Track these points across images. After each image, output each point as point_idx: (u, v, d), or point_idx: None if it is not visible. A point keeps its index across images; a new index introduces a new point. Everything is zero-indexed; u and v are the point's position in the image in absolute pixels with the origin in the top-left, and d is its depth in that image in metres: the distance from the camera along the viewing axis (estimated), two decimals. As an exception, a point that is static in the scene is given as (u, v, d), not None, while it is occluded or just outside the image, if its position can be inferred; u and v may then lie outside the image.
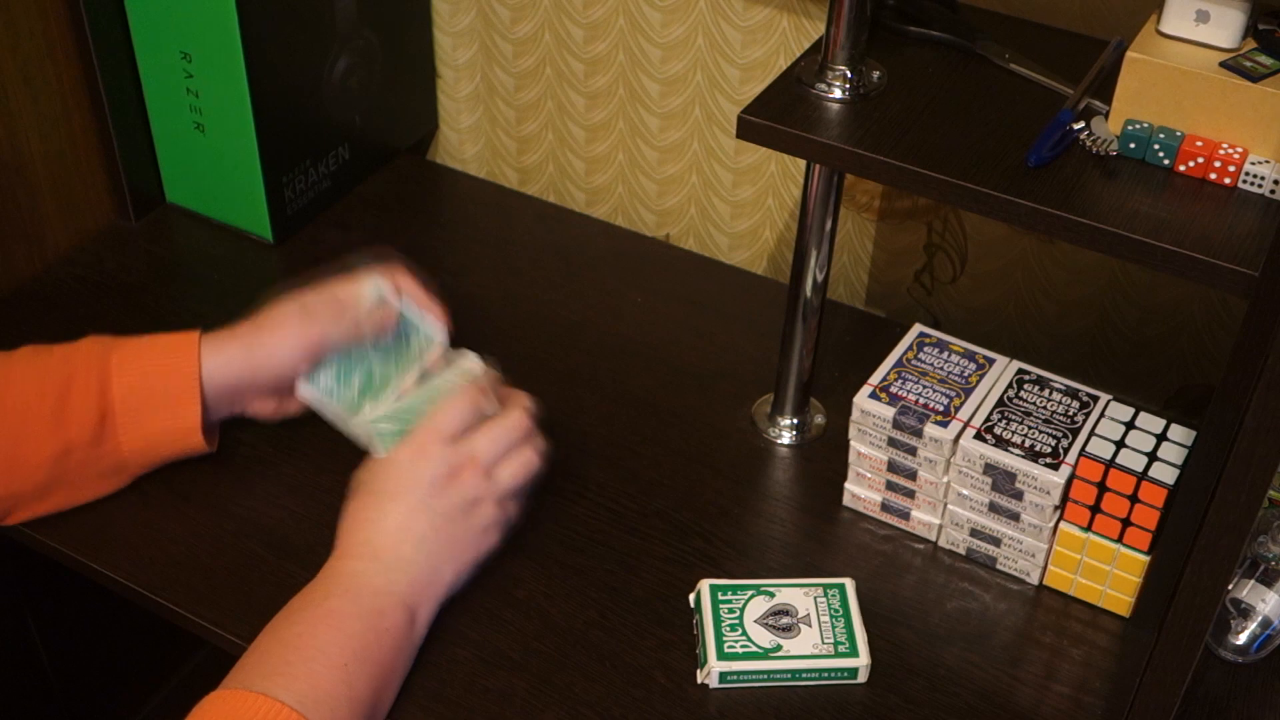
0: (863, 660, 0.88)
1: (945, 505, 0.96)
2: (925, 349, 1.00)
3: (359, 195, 1.31)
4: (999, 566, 0.96)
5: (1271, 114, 0.78)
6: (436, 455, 0.89)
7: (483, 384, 0.94)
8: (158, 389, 0.93)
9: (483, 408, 0.92)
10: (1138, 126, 0.81)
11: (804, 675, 0.88)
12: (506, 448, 0.92)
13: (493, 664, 0.89)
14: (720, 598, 0.91)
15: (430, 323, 1.00)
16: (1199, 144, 0.80)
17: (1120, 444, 0.90)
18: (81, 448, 0.92)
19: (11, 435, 0.91)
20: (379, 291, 0.99)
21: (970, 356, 0.99)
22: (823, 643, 0.88)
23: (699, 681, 0.88)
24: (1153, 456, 0.89)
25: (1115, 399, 0.95)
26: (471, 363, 0.97)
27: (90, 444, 0.92)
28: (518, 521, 0.94)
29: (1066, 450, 0.92)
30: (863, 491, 1.00)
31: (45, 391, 0.92)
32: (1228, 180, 0.80)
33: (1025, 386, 0.97)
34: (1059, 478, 0.90)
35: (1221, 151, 0.80)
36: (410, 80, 1.34)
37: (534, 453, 0.93)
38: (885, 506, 0.99)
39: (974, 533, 0.96)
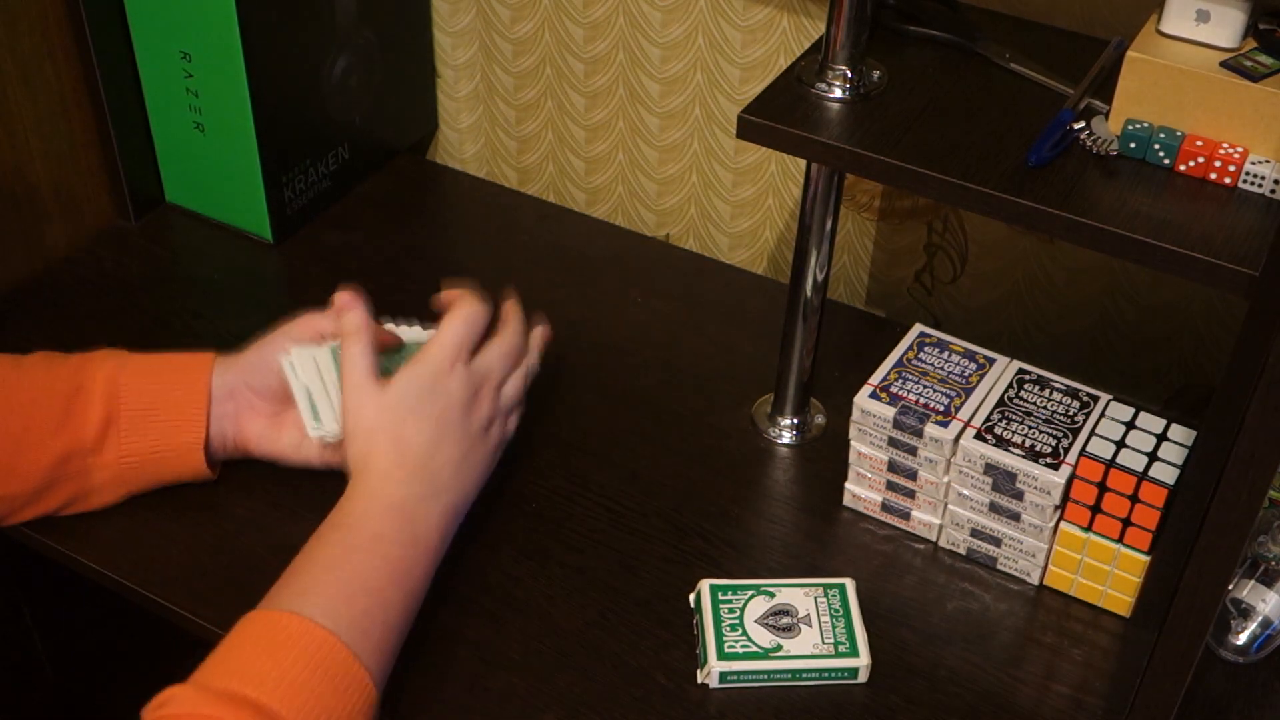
0: (863, 660, 0.88)
1: (945, 505, 0.96)
2: (925, 349, 1.00)
3: (359, 195, 1.31)
4: (999, 566, 0.96)
5: (1272, 114, 0.78)
6: (462, 375, 0.90)
7: (479, 302, 0.95)
8: (165, 402, 0.93)
9: (482, 320, 0.94)
10: (1138, 126, 0.81)
11: (804, 675, 0.88)
12: (512, 367, 0.95)
13: (493, 664, 0.89)
14: (720, 598, 0.91)
15: None
16: (1199, 144, 0.80)
17: (1120, 444, 0.90)
18: (82, 454, 0.92)
19: (14, 438, 0.91)
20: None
21: (970, 356, 0.99)
22: (823, 643, 0.88)
23: (699, 681, 0.88)
24: (1153, 456, 0.89)
25: (1115, 399, 0.95)
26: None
27: (91, 450, 0.92)
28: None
29: (1067, 450, 0.92)
30: (863, 491, 1.00)
31: (54, 394, 0.92)
32: (1228, 180, 0.80)
33: (1025, 386, 0.97)
34: (1059, 478, 0.90)
35: (1222, 151, 0.80)
36: (410, 80, 1.34)
37: (526, 370, 0.98)
38: (885, 506, 0.99)
39: (974, 533, 0.96)
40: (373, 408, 0.88)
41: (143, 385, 0.93)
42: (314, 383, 0.95)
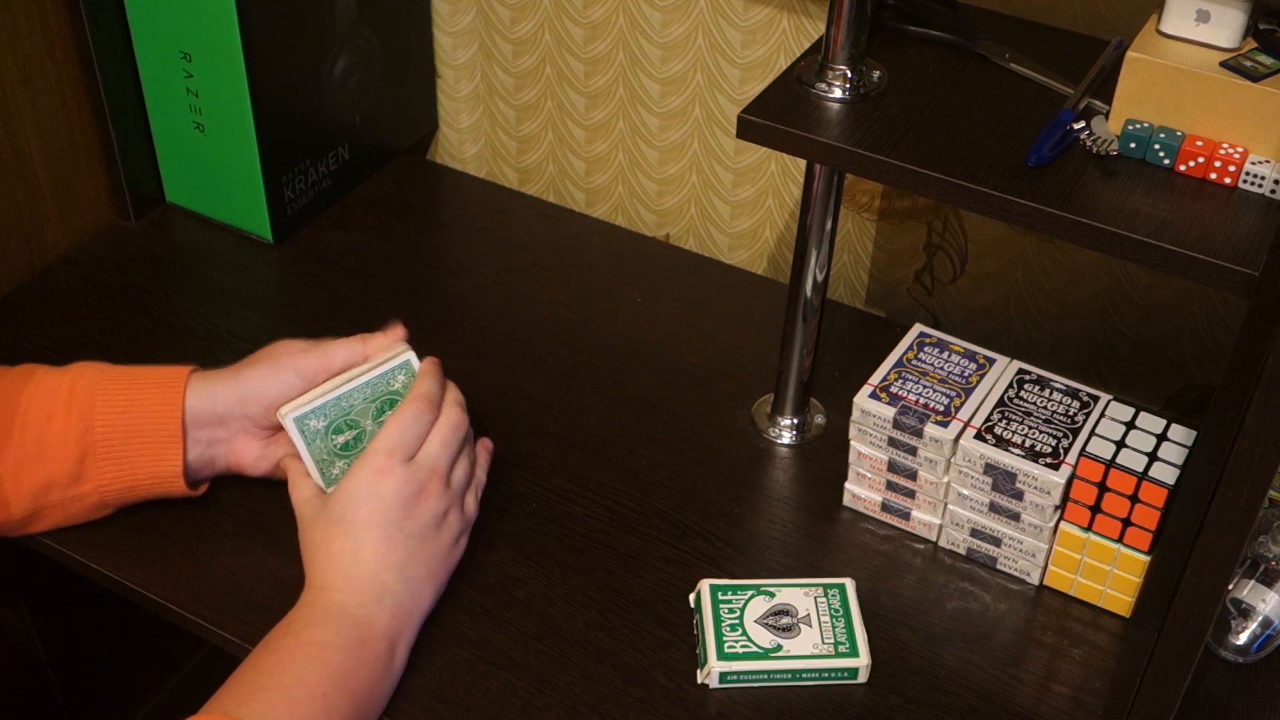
0: (863, 660, 0.88)
1: (945, 505, 0.96)
2: (925, 349, 1.00)
3: (359, 195, 1.31)
4: (999, 566, 0.96)
5: (1272, 114, 0.78)
6: (401, 474, 0.87)
7: (426, 388, 0.91)
8: (140, 431, 0.91)
9: (430, 414, 0.90)
10: (1138, 126, 0.81)
11: (804, 675, 0.88)
12: (458, 450, 0.91)
13: (493, 664, 0.89)
14: (720, 598, 0.91)
15: None
16: (1199, 144, 0.80)
17: (1120, 444, 0.90)
18: (61, 485, 0.91)
19: None
20: (410, 367, 0.94)
21: (970, 356, 0.99)
22: (823, 643, 0.88)
23: (699, 681, 0.88)
24: (1153, 456, 0.89)
25: (1115, 399, 0.95)
26: (410, 360, 0.94)
27: (70, 483, 0.91)
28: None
29: (1067, 450, 0.92)
30: (863, 491, 1.00)
31: (30, 421, 0.90)
32: (1228, 180, 0.80)
33: (1025, 386, 0.97)
34: (1059, 478, 0.90)
35: (1222, 151, 0.80)
36: (410, 80, 1.34)
37: (477, 448, 0.95)
38: (885, 506, 0.99)
39: (974, 533, 0.96)
40: (307, 525, 0.89)
41: (116, 414, 0.91)
42: (316, 445, 0.92)
